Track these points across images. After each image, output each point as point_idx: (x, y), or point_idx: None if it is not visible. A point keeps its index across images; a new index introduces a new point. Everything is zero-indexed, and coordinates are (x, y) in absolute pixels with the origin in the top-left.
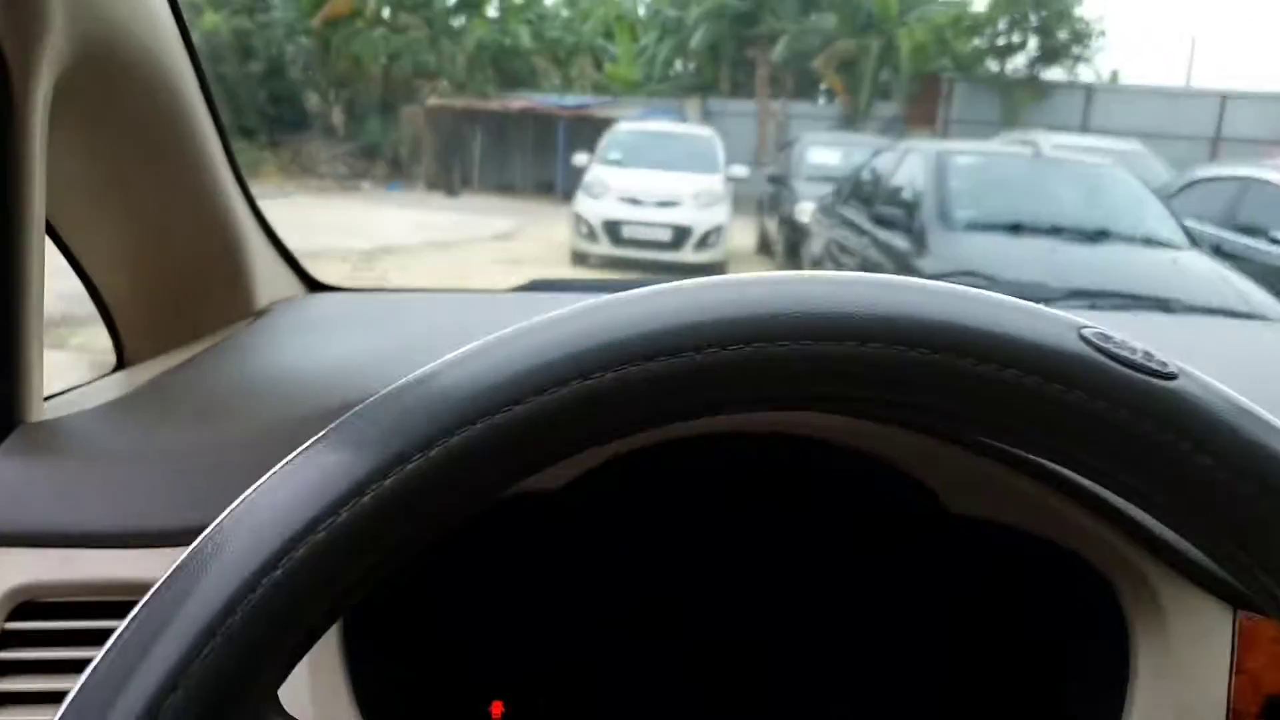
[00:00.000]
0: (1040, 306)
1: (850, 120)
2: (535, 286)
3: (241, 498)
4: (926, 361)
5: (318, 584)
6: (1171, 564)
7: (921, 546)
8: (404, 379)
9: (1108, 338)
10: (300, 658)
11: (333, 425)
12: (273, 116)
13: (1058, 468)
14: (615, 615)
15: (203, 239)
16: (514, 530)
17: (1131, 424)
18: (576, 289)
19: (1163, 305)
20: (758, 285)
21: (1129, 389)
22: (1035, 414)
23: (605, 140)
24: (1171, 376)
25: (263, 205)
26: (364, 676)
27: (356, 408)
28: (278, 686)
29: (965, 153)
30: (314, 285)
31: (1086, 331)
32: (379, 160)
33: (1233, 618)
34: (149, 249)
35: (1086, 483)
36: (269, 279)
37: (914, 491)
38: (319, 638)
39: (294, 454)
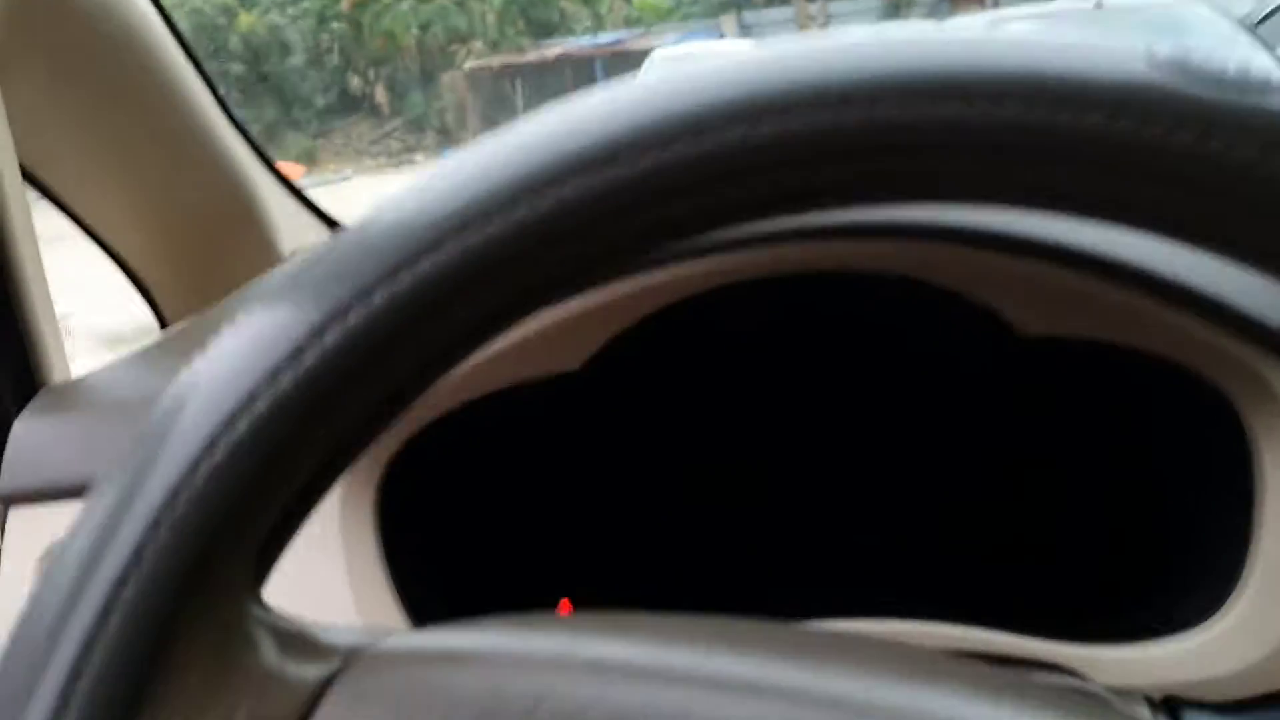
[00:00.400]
0: (1098, 41)
1: (895, 9)
2: None
3: (181, 375)
4: (984, 118)
5: (270, 461)
6: None
7: (994, 377)
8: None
9: (1186, 50)
10: (280, 548)
11: (277, 277)
12: (320, 106)
13: (1140, 262)
14: (668, 490)
15: (211, 192)
16: (540, 416)
17: (1226, 153)
18: None
19: None
20: (786, 55)
21: (1224, 110)
22: (1101, 165)
23: (645, 68)
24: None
25: (322, 192)
26: (405, 577)
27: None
28: (257, 582)
29: (1021, 18)
30: (338, 229)
31: (1160, 50)
32: (428, 131)
33: None
34: (156, 208)
35: (1176, 273)
36: (292, 228)
37: (978, 318)
38: (300, 522)
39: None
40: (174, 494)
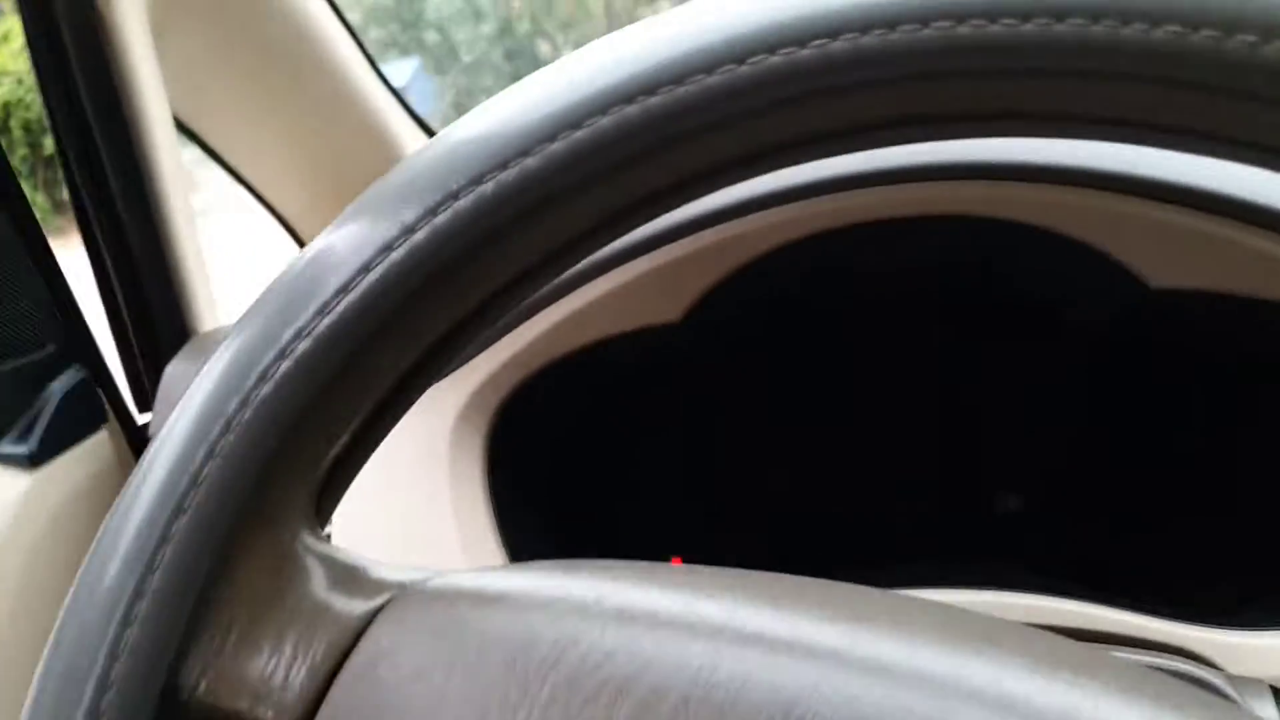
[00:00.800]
0: None
1: None
2: None
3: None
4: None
5: (345, 365)
6: None
7: (1124, 331)
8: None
9: None
10: (345, 481)
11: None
12: (509, 72)
13: (1275, 206)
14: (771, 443)
15: (355, 138)
16: (643, 366)
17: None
18: None
19: None
20: None
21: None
22: (1201, 87)
23: None
24: None
25: None
26: (510, 524)
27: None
28: (319, 514)
29: None
30: None
31: None
32: None
33: None
34: (310, 163)
35: None
36: (411, 150)
37: (1105, 269)
38: (365, 455)
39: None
40: (242, 402)
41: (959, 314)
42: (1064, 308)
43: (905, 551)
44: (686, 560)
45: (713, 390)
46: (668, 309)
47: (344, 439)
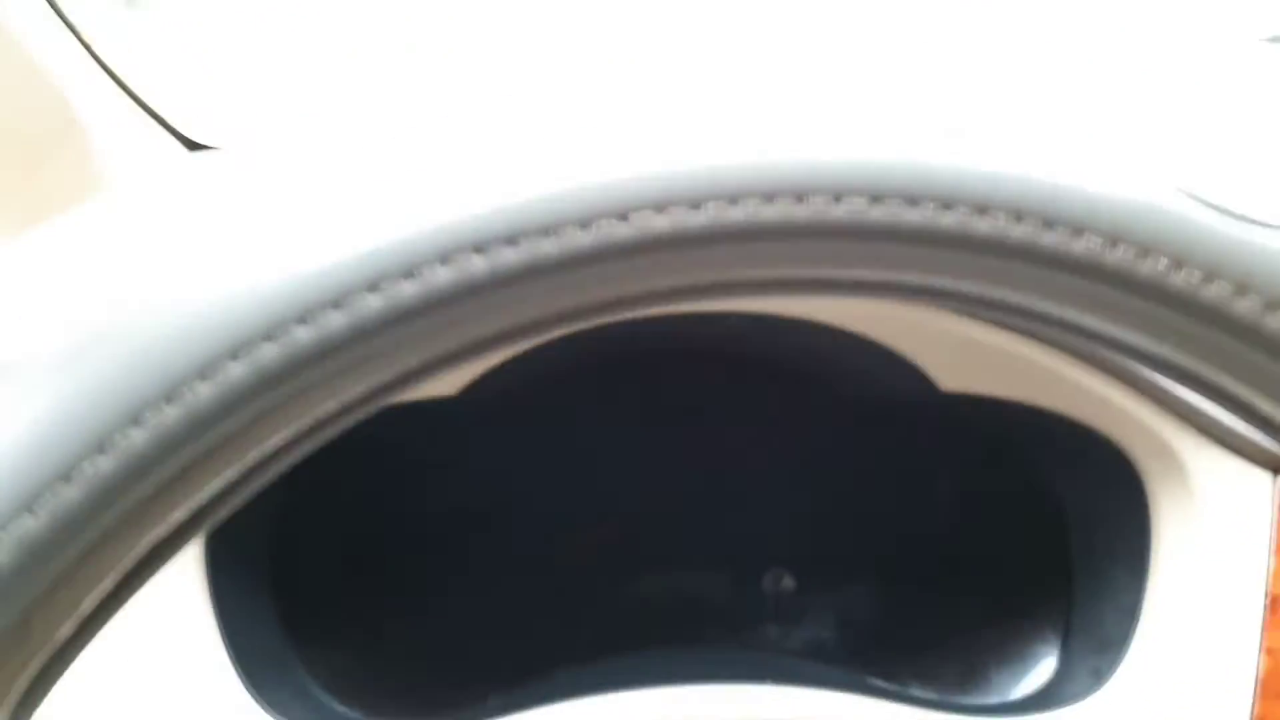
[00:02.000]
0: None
1: None
2: None
3: None
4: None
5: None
6: (1198, 427)
7: (910, 429)
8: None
9: (1200, 181)
10: (58, 674)
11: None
12: None
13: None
14: (539, 522)
15: (21, 103)
16: (413, 440)
17: (1231, 302)
18: None
19: None
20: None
21: (1230, 251)
22: (1087, 291)
23: None
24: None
25: None
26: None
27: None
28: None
29: None
30: (193, 145)
31: (1183, 179)
32: None
33: (1272, 487)
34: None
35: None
36: (129, 141)
37: (897, 369)
38: (97, 629)
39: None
40: None
41: (735, 396)
42: (859, 400)
43: (668, 636)
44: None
45: (482, 464)
46: (443, 383)
47: (41, 658)
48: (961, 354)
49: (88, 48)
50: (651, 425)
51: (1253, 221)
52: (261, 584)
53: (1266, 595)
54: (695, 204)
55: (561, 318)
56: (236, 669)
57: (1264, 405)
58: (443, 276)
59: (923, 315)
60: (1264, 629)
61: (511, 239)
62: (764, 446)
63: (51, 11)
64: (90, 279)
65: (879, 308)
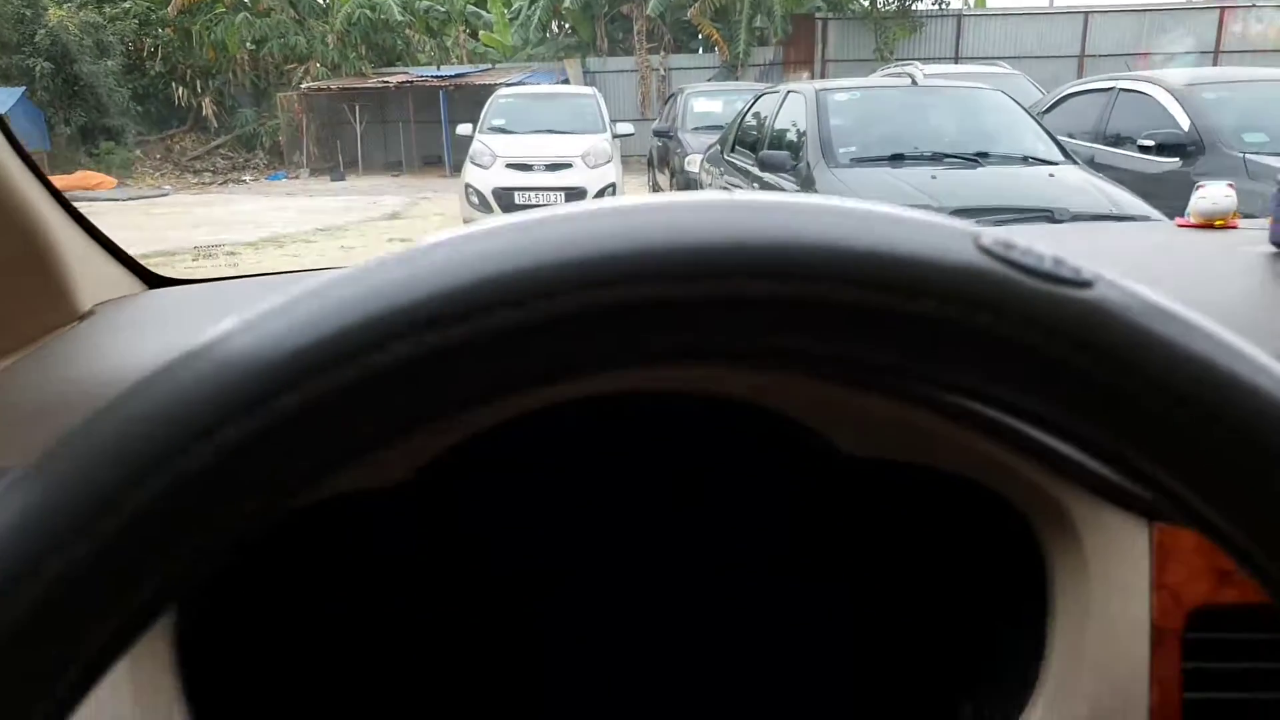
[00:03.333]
0: (927, 215)
1: (730, 69)
2: None
3: None
4: (786, 296)
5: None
6: (1080, 482)
7: (812, 492)
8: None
9: (1009, 244)
10: None
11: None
12: (139, 114)
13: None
14: (484, 608)
15: None
16: (369, 524)
17: (1044, 346)
18: None
19: (1047, 215)
20: (580, 219)
21: (1039, 304)
22: (928, 345)
23: (487, 107)
24: (1087, 284)
25: (139, 206)
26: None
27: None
28: None
29: (843, 89)
30: (153, 281)
31: (985, 240)
32: (258, 150)
33: (1149, 531)
34: None
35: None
36: (95, 279)
37: (799, 435)
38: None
39: None
40: None
41: (668, 480)
42: (769, 468)
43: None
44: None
45: (435, 547)
46: (397, 468)
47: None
48: (855, 420)
49: (55, 193)
50: (579, 512)
51: (1058, 280)
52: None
53: (1151, 629)
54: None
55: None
56: None
57: (1095, 436)
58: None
59: (817, 388)
60: (1152, 661)
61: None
62: (680, 520)
63: (17, 156)
64: (81, 397)
65: (778, 384)
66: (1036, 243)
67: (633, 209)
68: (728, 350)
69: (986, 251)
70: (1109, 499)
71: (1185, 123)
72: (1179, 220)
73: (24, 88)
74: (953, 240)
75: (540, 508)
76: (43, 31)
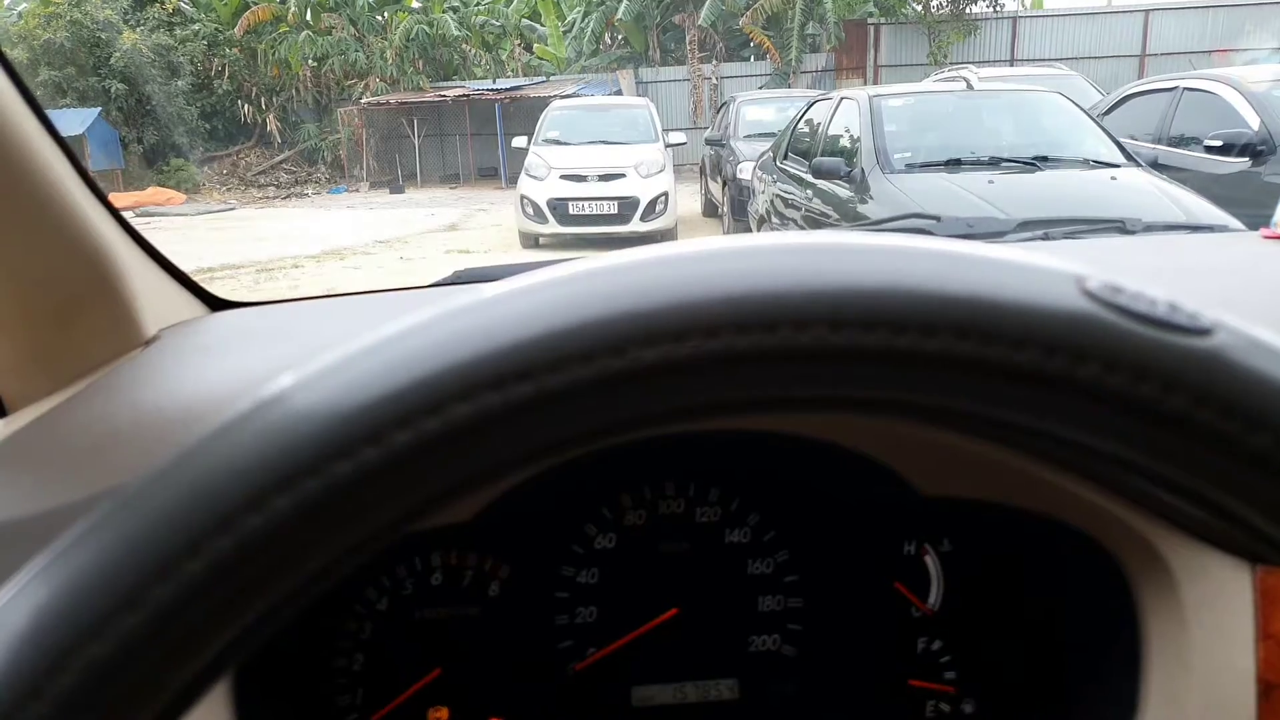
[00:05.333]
0: (1028, 259)
1: (782, 76)
2: (461, 278)
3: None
4: (875, 348)
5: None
6: (1176, 523)
7: (893, 535)
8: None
9: (1118, 289)
10: None
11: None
12: (206, 131)
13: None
14: (562, 640)
15: (65, 270)
16: (428, 563)
17: (1161, 401)
18: (503, 275)
19: (1119, 226)
20: (662, 265)
21: (1154, 354)
22: (1031, 398)
23: (542, 120)
24: (1205, 332)
25: (206, 220)
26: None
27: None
28: None
29: (897, 94)
30: (216, 304)
31: (1091, 284)
32: (320, 164)
33: (1252, 575)
34: (5, 288)
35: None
36: (159, 303)
37: (879, 477)
38: None
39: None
40: None
41: (730, 508)
42: (847, 507)
43: None
44: None
45: (493, 587)
46: (459, 509)
47: None
48: (938, 461)
49: (120, 219)
50: (653, 534)
51: (1174, 327)
52: (284, 707)
53: (1258, 682)
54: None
55: (551, 445)
56: None
57: (1211, 492)
58: (462, 411)
59: (898, 428)
60: (1259, 716)
61: (522, 376)
62: (761, 550)
63: (82, 181)
64: (148, 401)
65: (858, 424)
66: (1148, 286)
67: (739, 251)
68: (816, 397)
69: (1093, 297)
70: (1206, 540)
71: (1255, 121)
72: (1265, 231)
73: (100, 108)
74: (1055, 284)
75: (592, 554)
76: (118, 54)
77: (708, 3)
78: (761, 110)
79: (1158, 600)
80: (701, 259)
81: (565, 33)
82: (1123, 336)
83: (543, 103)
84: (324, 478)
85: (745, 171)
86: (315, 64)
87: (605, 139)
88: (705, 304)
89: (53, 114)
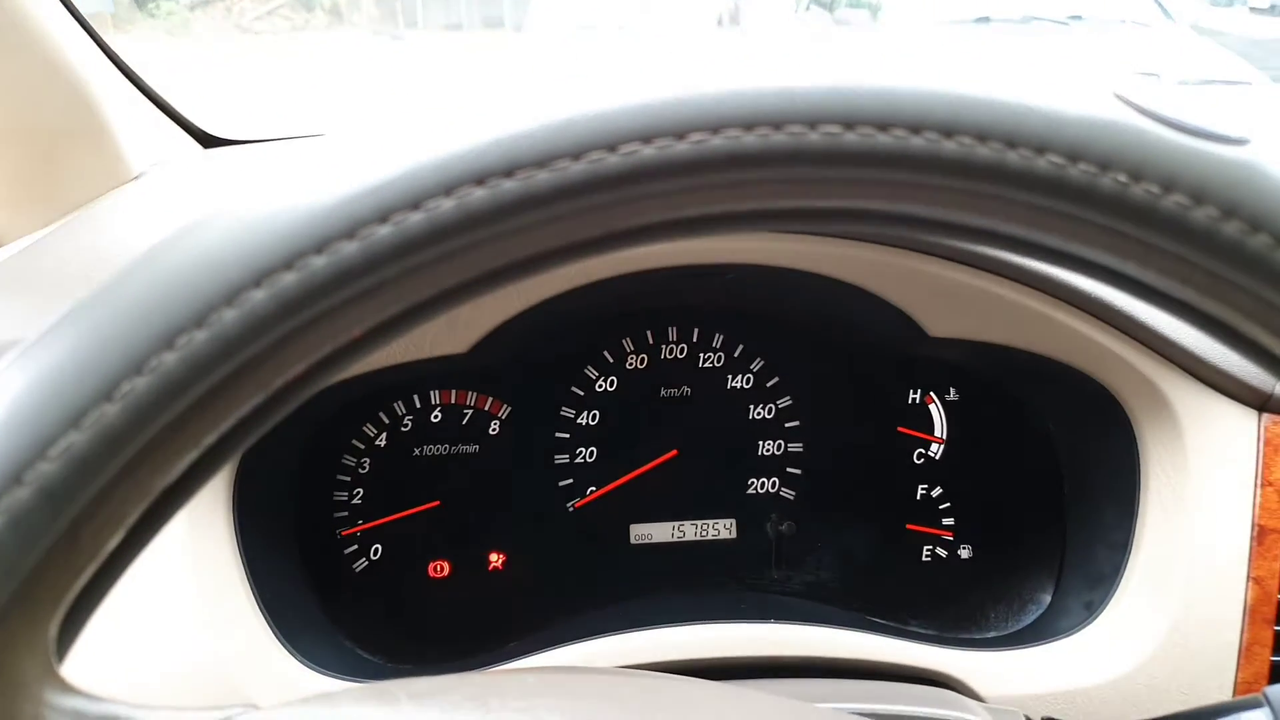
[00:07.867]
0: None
1: None
2: None
3: None
4: (886, 149)
5: (68, 519)
6: (1183, 367)
7: (899, 382)
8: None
9: (1152, 93)
10: (97, 600)
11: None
12: None
13: (1041, 270)
14: (560, 479)
15: (50, 102)
16: (427, 400)
17: (1186, 213)
18: None
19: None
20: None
21: (1183, 161)
22: (1048, 211)
23: None
24: (1240, 141)
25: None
26: (264, 575)
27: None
28: (56, 665)
29: None
30: (208, 141)
31: (1124, 89)
32: (317, 10)
33: (1258, 423)
34: None
35: (1080, 284)
36: (148, 139)
37: (888, 316)
38: (124, 568)
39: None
40: None
41: (735, 347)
42: (852, 345)
43: (657, 583)
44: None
45: (491, 420)
46: (456, 341)
47: (91, 568)
48: (948, 300)
49: (110, 54)
50: (654, 378)
51: (1208, 135)
52: (287, 537)
53: (1253, 526)
54: (680, 135)
55: (555, 252)
56: (265, 617)
57: (1229, 316)
58: (447, 207)
59: (910, 264)
60: (1251, 558)
61: (509, 171)
62: (763, 396)
63: (72, 17)
64: (131, 232)
65: (868, 260)
66: (1184, 94)
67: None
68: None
69: (1125, 100)
70: (1216, 387)
71: None
72: None
73: None
74: (1086, 89)
75: (597, 384)
76: None
77: None
78: None
79: (1160, 444)
80: (706, 65)
81: None
82: (1152, 143)
83: None
84: (297, 270)
85: None
86: None
87: None
88: (712, 99)
89: None
